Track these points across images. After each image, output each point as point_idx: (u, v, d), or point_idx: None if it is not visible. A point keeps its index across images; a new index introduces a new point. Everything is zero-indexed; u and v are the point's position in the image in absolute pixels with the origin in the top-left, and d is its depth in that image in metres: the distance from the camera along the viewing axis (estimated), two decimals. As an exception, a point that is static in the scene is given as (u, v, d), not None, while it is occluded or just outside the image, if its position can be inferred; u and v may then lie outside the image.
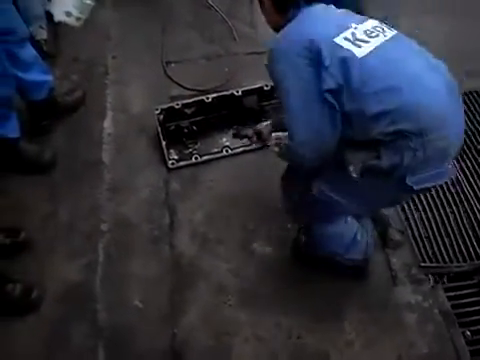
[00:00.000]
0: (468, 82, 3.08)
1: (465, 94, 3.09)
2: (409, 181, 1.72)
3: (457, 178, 2.74)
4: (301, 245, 2.43)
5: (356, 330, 2.30)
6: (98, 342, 2.24)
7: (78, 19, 2.39)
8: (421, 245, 2.52)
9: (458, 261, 2.48)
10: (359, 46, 1.71)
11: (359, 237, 2.23)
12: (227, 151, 2.81)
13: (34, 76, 2.68)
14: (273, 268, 2.46)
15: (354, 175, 1.76)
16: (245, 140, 2.72)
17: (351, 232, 2.21)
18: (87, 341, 2.25)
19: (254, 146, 2.78)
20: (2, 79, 2.43)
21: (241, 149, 2.83)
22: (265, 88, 2.91)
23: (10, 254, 2.44)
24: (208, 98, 2.88)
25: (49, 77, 2.80)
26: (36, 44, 3.02)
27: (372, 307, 2.35)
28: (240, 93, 2.89)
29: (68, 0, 2.33)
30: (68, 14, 2.35)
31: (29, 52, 2.62)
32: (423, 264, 2.46)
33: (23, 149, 2.71)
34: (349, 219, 2.17)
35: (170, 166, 2.75)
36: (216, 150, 2.82)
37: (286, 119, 1.82)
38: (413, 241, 2.53)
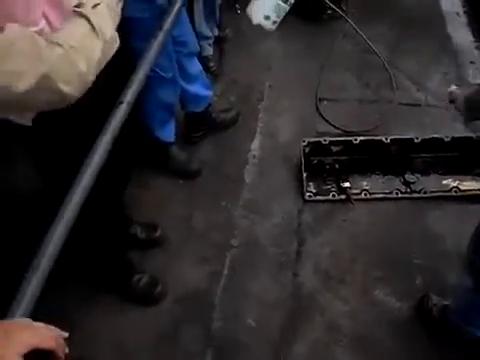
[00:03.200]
0: None
1: None
2: None
3: None
4: (429, 305, 2.37)
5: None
6: (207, 349, 2.31)
7: (274, 23, 2.53)
8: None
9: None
10: None
11: None
12: (365, 194, 2.81)
13: (196, 89, 2.85)
14: (391, 319, 2.40)
15: None
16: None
17: None
18: (196, 345, 2.33)
19: (396, 195, 2.79)
20: (171, 85, 2.60)
21: (381, 195, 2.82)
22: (415, 140, 2.89)
23: (143, 248, 2.59)
24: (356, 140, 2.90)
25: (210, 92, 2.97)
26: (202, 60, 3.23)
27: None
28: (388, 141, 2.89)
29: (268, 4, 2.47)
30: (267, 17, 2.49)
31: (195, 66, 2.80)
32: None
33: (174, 154, 2.88)
34: None
35: (307, 198, 2.80)
36: (355, 192, 2.83)
37: None
38: None
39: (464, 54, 3.66)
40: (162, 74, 2.46)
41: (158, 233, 2.62)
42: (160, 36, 1.86)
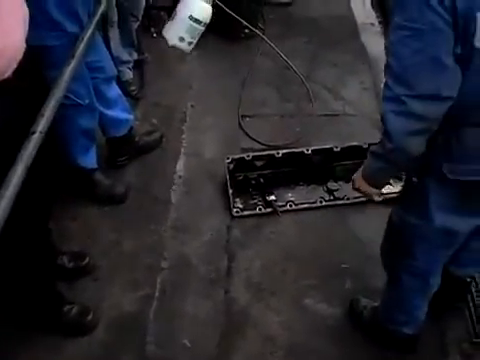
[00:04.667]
0: None
1: None
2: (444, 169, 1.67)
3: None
4: (359, 308, 2.43)
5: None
6: (142, 374, 2.29)
7: (190, 44, 2.55)
8: (476, 321, 2.45)
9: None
10: None
11: (420, 313, 2.18)
12: (291, 206, 2.86)
13: (116, 113, 2.84)
14: (324, 326, 2.44)
15: (414, 178, 1.76)
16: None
17: (414, 307, 2.17)
18: (132, 371, 2.30)
19: (321, 203, 2.85)
20: (88, 112, 2.58)
21: (306, 205, 2.88)
22: (335, 149, 2.98)
23: (71, 277, 2.53)
24: (278, 153, 2.96)
25: (130, 116, 2.96)
26: (122, 84, 3.23)
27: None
28: (310, 152, 2.97)
29: (181, 26, 2.49)
30: (181, 39, 2.52)
31: (114, 90, 2.79)
32: (476, 340, 2.38)
33: (98, 180, 2.85)
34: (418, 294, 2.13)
35: (234, 214, 2.83)
36: (281, 204, 2.87)
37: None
38: (468, 316, 2.46)
39: (379, 62, 3.79)
40: (78, 101, 2.45)
41: (86, 261, 2.57)
42: (72, 63, 1.86)
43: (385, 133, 1.59)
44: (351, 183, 1.96)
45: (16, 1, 1.44)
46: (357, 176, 1.88)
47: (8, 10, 1.39)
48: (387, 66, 1.55)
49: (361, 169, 1.86)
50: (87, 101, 2.50)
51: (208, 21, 2.55)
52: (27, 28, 1.49)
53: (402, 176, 2.26)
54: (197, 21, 2.50)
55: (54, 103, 1.62)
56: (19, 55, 1.43)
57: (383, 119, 1.58)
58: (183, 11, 2.50)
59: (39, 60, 2.19)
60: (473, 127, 1.61)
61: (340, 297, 2.52)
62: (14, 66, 1.43)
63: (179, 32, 2.54)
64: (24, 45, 1.45)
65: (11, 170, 1.38)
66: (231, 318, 2.47)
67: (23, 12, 1.47)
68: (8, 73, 1.42)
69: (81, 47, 2.16)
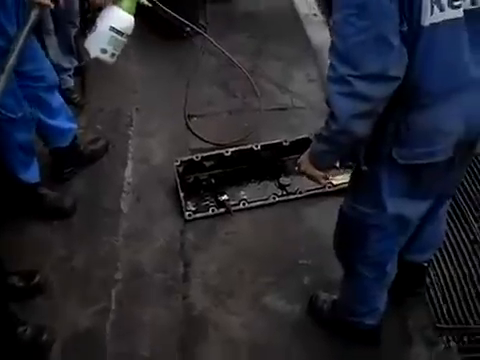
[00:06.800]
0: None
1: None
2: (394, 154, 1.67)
3: (475, 238, 2.71)
4: (319, 303, 2.41)
5: (368, 392, 2.24)
6: (103, 392, 2.22)
7: (112, 55, 2.48)
8: (437, 306, 2.46)
9: (476, 323, 2.41)
10: None
11: (379, 303, 2.18)
12: (244, 204, 2.83)
13: (59, 123, 2.76)
14: (285, 323, 2.41)
15: (363, 167, 1.73)
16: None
17: (373, 297, 2.16)
18: (92, 390, 2.23)
19: (274, 200, 2.83)
20: (22, 125, 2.50)
21: (258, 203, 2.85)
22: (284, 144, 2.95)
23: (23, 297, 2.45)
24: (227, 152, 2.93)
25: (74, 125, 2.89)
26: (64, 92, 3.14)
27: (385, 368, 2.29)
28: (259, 148, 2.94)
29: (103, 38, 2.42)
30: (103, 51, 2.44)
31: (57, 99, 2.72)
32: (439, 325, 2.40)
33: (44, 194, 2.77)
34: (375, 284, 2.12)
35: (187, 217, 2.78)
36: (233, 203, 2.83)
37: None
38: (430, 301, 2.48)
39: (324, 53, 3.77)
40: (9, 115, 2.37)
41: (37, 279, 2.49)
42: (2, 77, 1.79)
43: (331, 115, 1.56)
44: (297, 168, 1.93)
45: None
46: (303, 159, 1.85)
47: None
48: (331, 46, 1.51)
49: (307, 153, 1.83)
50: (20, 114, 2.42)
51: (130, 32, 2.46)
52: None
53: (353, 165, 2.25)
54: (119, 32, 2.41)
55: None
56: None
57: (328, 101, 1.54)
58: (104, 22, 2.42)
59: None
60: (421, 109, 1.60)
61: (299, 293, 2.50)
62: None
63: (100, 44, 2.46)
64: None
65: None
66: (191, 324, 2.42)
67: None
68: None
69: (11, 60, 2.09)
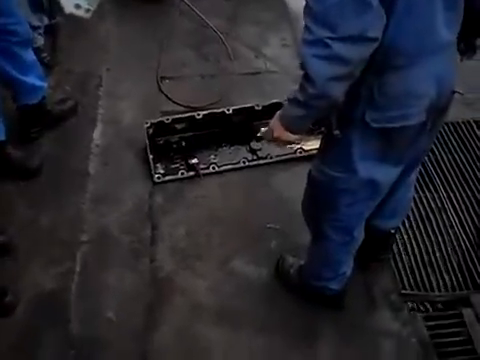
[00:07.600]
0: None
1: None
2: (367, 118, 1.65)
3: (443, 206, 2.73)
4: (286, 267, 2.41)
5: (331, 355, 2.25)
6: (68, 352, 2.19)
7: (87, 11, 2.42)
8: (403, 272, 2.48)
9: (440, 290, 2.44)
10: None
11: (345, 268, 2.19)
12: (214, 168, 2.80)
13: (31, 79, 2.71)
14: (251, 288, 2.42)
15: (336, 132, 1.71)
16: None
17: (339, 261, 2.17)
18: (57, 351, 2.20)
19: (244, 164, 2.81)
20: None
21: (229, 166, 2.82)
22: (256, 108, 2.92)
23: (-13, 258, 2.42)
24: (199, 115, 2.88)
25: (44, 83, 2.83)
26: (34, 51, 3.05)
27: (349, 332, 2.30)
28: (231, 111, 2.90)
29: None
30: (77, 6, 2.38)
31: (30, 55, 2.67)
32: (404, 291, 2.42)
33: (10, 154, 2.72)
34: (343, 248, 2.12)
35: (156, 180, 2.74)
36: (203, 166, 2.80)
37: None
38: (395, 268, 2.50)
39: (300, 19, 3.68)
40: None
41: (2, 240, 2.45)
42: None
43: (307, 79, 1.50)
44: (267, 135, 1.88)
45: None
46: (275, 125, 1.79)
47: None
48: (306, 7, 1.47)
49: (277, 118, 1.77)
50: None
51: None
52: None
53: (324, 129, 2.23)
54: None
55: None
56: None
57: (304, 64, 1.49)
58: None
59: None
60: (394, 71, 1.58)
61: (267, 258, 2.49)
62: None
63: None
64: None
65: None
66: (157, 288, 2.41)
67: None
68: None
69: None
